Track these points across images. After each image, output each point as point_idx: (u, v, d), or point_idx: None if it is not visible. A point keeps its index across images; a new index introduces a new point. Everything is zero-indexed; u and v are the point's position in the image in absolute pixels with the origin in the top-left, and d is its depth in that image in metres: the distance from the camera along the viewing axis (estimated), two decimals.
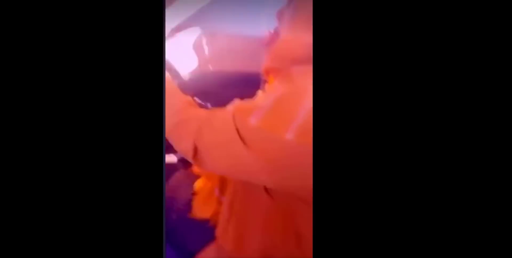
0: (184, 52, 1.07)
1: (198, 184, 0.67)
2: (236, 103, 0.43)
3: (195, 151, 0.42)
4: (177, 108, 0.45)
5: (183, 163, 0.71)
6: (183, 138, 0.43)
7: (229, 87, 0.99)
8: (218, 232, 0.56)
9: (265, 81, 0.56)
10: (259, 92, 0.52)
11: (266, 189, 0.46)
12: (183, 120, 0.43)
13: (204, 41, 1.08)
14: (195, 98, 0.50)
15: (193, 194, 0.65)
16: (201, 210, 0.62)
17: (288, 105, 0.38)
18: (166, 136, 0.45)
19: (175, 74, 0.75)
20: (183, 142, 0.43)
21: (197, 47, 1.07)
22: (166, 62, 0.72)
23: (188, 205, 0.63)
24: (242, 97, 0.51)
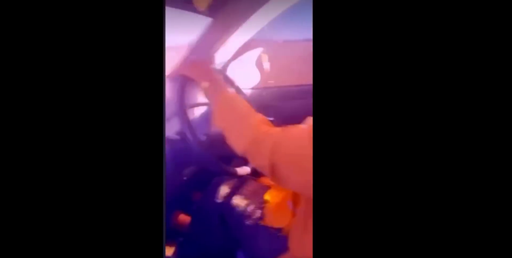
0: (247, 70, 1.14)
1: (270, 195, 0.70)
2: (311, 121, 0.43)
3: (272, 167, 0.43)
4: (252, 126, 0.47)
5: (255, 174, 0.75)
6: (259, 155, 0.45)
7: (293, 102, 1.01)
8: (292, 243, 0.57)
9: None
10: None
11: None
12: (258, 138, 0.45)
13: (265, 58, 1.14)
14: (266, 116, 0.53)
15: (265, 203, 0.67)
16: (274, 219, 0.64)
17: None
18: (242, 152, 0.47)
19: (239, 91, 0.80)
20: (260, 158, 0.45)
21: (259, 65, 1.13)
22: (231, 81, 0.78)
23: (261, 214, 0.65)
24: (308, 110, 0.52)
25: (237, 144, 0.48)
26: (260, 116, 0.50)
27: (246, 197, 0.69)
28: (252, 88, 1.14)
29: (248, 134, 0.46)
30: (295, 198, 0.61)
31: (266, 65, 1.15)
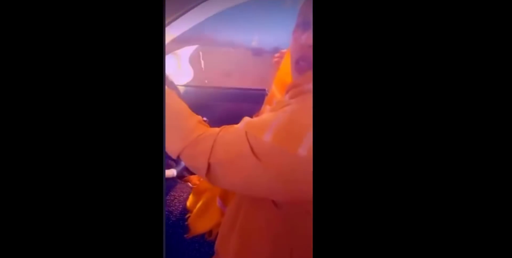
0: (181, 66, 1.08)
1: (193, 198, 0.67)
2: (247, 120, 0.44)
3: (209, 168, 0.43)
4: (189, 128, 0.45)
5: (180, 177, 0.71)
6: (197, 156, 0.43)
7: (227, 102, 1.00)
8: (218, 245, 0.55)
9: (271, 96, 0.59)
10: (267, 108, 0.54)
11: (274, 201, 0.47)
12: (196, 139, 0.44)
13: (201, 55, 1.10)
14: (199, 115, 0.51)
15: (188, 211, 0.64)
16: (198, 225, 0.61)
17: (301, 121, 0.39)
18: (177, 154, 0.45)
19: (174, 88, 0.76)
20: (197, 159, 0.43)
21: (194, 62, 1.09)
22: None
23: (185, 221, 0.62)
24: (242, 112, 0.52)
25: (173, 146, 0.45)
26: (196, 118, 0.48)
27: (170, 202, 0.65)
28: (185, 86, 1.08)
29: (186, 136, 0.44)
30: (225, 196, 0.60)
31: (201, 63, 1.11)
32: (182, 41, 1.02)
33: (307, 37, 0.44)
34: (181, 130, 0.45)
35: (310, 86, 0.43)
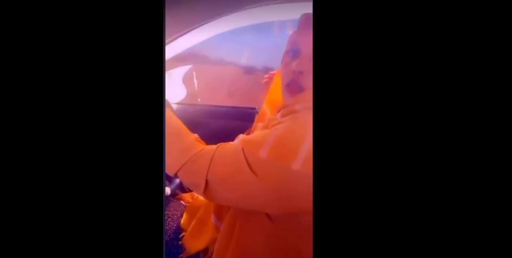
0: (174, 85, 1.10)
1: (187, 216, 0.66)
2: (243, 137, 0.46)
3: (206, 184, 0.44)
4: (186, 146, 0.46)
5: (173, 195, 0.71)
6: (195, 173, 0.44)
7: (219, 120, 1.02)
8: None
9: (263, 114, 0.61)
10: (259, 125, 0.56)
11: (267, 214, 0.48)
12: (194, 157, 0.45)
13: (194, 75, 1.13)
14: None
15: (183, 229, 0.63)
16: (193, 244, 0.61)
17: (294, 138, 0.41)
18: (175, 172, 0.46)
19: (168, 105, 0.77)
20: (195, 176, 0.44)
21: (187, 81, 1.11)
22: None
23: (180, 240, 0.61)
24: (234, 129, 0.53)
25: (170, 163, 0.46)
26: (192, 136, 0.49)
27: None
28: (179, 104, 1.10)
29: (184, 154, 0.45)
30: (219, 212, 0.60)
31: (195, 82, 1.14)
32: (176, 60, 1.06)
33: (297, 64, 0.47)
34: (179, 147, 0.46)
35: (300, 106, 0.46)
